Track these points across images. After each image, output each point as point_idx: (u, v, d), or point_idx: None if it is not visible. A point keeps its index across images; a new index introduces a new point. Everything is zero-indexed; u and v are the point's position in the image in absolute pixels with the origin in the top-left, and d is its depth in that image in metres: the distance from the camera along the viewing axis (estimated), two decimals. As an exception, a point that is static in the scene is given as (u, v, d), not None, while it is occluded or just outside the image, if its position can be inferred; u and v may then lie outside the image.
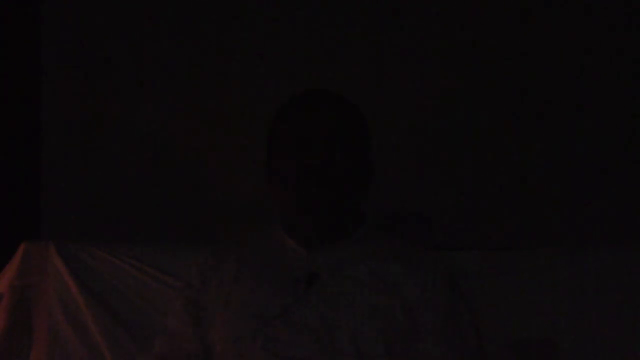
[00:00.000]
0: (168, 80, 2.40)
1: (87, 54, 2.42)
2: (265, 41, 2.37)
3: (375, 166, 1.71)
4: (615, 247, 1.96)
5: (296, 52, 2.35)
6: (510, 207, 2.27)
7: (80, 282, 2.04)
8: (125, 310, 2.02)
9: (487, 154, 2.29)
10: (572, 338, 1.89)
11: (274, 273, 1.65)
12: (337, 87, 1.72)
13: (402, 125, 2.30)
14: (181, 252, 2.03)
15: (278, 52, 2.36)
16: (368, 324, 1.58)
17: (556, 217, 2.24)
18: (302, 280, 1.61)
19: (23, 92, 2.42)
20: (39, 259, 2.05)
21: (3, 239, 2.20)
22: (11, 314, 2.01)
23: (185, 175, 2.39)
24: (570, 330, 1.89)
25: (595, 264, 1.93)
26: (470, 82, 2.30)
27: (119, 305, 2.03)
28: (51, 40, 2.43)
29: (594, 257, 1.95)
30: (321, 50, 2.35)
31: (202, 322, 1.66)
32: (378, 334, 1.58)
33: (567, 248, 2.00)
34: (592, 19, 2.26)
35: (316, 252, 1.66)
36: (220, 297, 1.66)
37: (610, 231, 2.20)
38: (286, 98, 1.71)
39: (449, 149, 2.30)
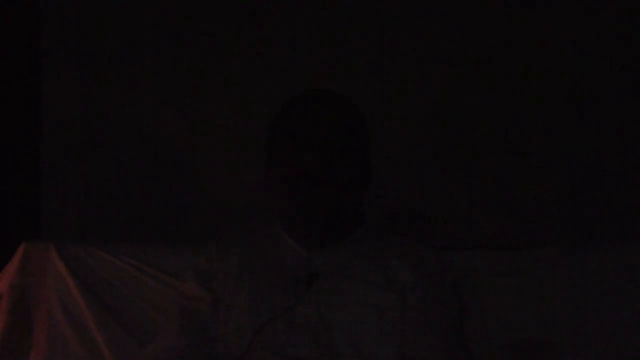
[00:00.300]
0: (168, 80, 2.40)
1: (87, 53, 2.42)
2: (265, 41, 2.37)
3: (374, 166, 1.71)
4: (615, 247, 1.96)
5: (296, 52, 2.35)
6: (511, 207, 2.27)
7: (80, 282, 2.04)
8: (125, 310, 2.02)
9: (487, 153, 2.29)
10: (572, 338, 1.89)
11: (274, 273, 1.65)
12: (337, 87, 1.72)
13: (402, 125, 2.30)
14: (181, 252, 2.03)
15: (278, 52, 2.36)
16: (367, 323, 1.58)
17: (556, 217, 2.24)
18: (302, 281, 1.61)
19: (23, 92, 2.41)
20: (39, 259, 2.05)
21: (3, 239, 2.20)
22: (11, 314, 2.01)
23: (185, 175, 2.39)
24: (570, 330, 1.89)
25: (595, 264, 1.93)
26: (470, 82, 2.30)
27: (119, 305, 2.03)
28: (51, 40, 2.43)
29: (594, 257, 1.94)
30: (321, 50, 2.35)
31: (206, 331, 1.66)
32: (378, 333, 1.58)
33: (567, 248, 2.00)
34: (592, 18, 2.26)
35: (316, 252, 1.66)
36: (222, 297, 1.66)
37: (610, 231, 2.19)
38: (286, 98, 1.71)
39: (449, 148, 2.30)
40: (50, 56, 2.43)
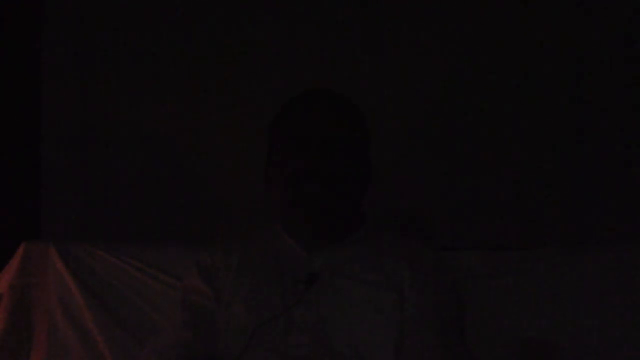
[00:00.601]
0: (168, 80, 2.40)
1: (87, 53, 2.42)
2: (265, 41, 2.37)
3: (374, 166, 1.71)
4: (615, 247, 1.96)
5: (296, 52, 2.35)
6: (510, 207, 2.27)
7: (80, 282, 2.04)
8: (125, 310, 2.02)
9: (487, 154, 2.29)
10: (572, 338, 1.89)
11: (274, 273, 1.65)
12: (337, 87, 1.72)
13: (402, 125, 2.30)
14: (181, 252, 2.03)
15: (278, 52, 2.36)
16: (367, 323, 1.58)
17: (556, 217, 2.24)
18: (301, 281, 1.61)
19: (23, 92, 2.41)
20: (39, 259, 2.06)
21: (3, 239, 2.20)
22: (11, 314, 2.01)
23: (185, 175, 2.39)
24: (570, 330, 1.89)
25: (595, 264, 1.93)
26: (470, 81, 2.30)
27: (119, 305, 2.03)
28: (51, 40, 2.43)
29: (594, 257, 1.95)
30: (321, 50, 2.35)
31: (210, 325, 1.66)
32: (377, 333, 1.58)
33: (567, 248, 2.00)
34: (592, 18, 2.26)
35: (316, 252, 1.66)
36: (223, 294, 1.66)
37: (610, 231, 2.19)
38: (286, 98, 1.71)
39: (449, 148, 2.30)
40: (50, 56, 2.43)
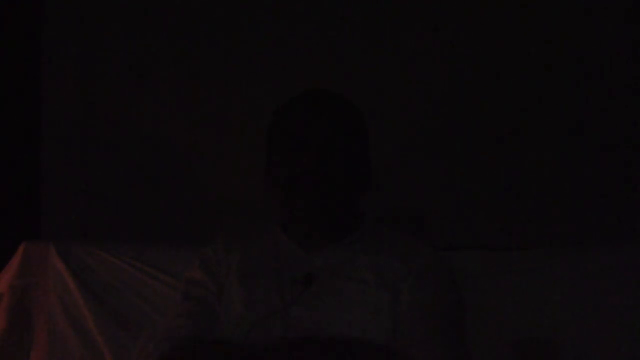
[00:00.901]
0: (168, 80, 2.40)
1: (87, 53, 2.42)
2: (266, 41, 2.37)
3: (374, 166, 1.71)
4: (615, 247, 1.96)
5: (296, 52, 2.35)
6: (511, 207, 2.27)
7: (80, 282, 2.04)
8: (125, 310, 2.02)
9: (487, 154, 2.29)
10: (572, 338, 1.89)
11: (273, 273, 1.65)
12: (337, 87, 1.72)
13: (402, 125, 2.30)
14: (181, 252, 2.03)
15: (278, 52, 2.36)
16: (365, 323, 1.58)
17: (556, 217, 2.24)
18: (300, 281, 1.61)
19: (23, 92, 2.42)
20: (39, 259, 2.05)
21: (3, 239, 2.20)
22: (11, 314, 2.01)
23: (184, 174, 2.39)
24: (570, 330, 1.89)
25: (595, 264, 1.93)
26: (470, 82, 2.30)
27: (119, 305, 2.03)
28: (51, 40, 2.43)
29: (594, 257, 1.94)
30: (321, 50, 2.35)
31: (212, 315, 1.66)
32: (376, 333, 1.57)
33: (567, 248, 2.00)
34: (592, 18, 2.26)
35: (315, 252, 1.66)
36: (224, 290, 1.66)
37: (610, 231, 2.19)
38: (286, 98, 1.71)
39: (449, 148, 2.30)
40: (50, 56, 2.43)
